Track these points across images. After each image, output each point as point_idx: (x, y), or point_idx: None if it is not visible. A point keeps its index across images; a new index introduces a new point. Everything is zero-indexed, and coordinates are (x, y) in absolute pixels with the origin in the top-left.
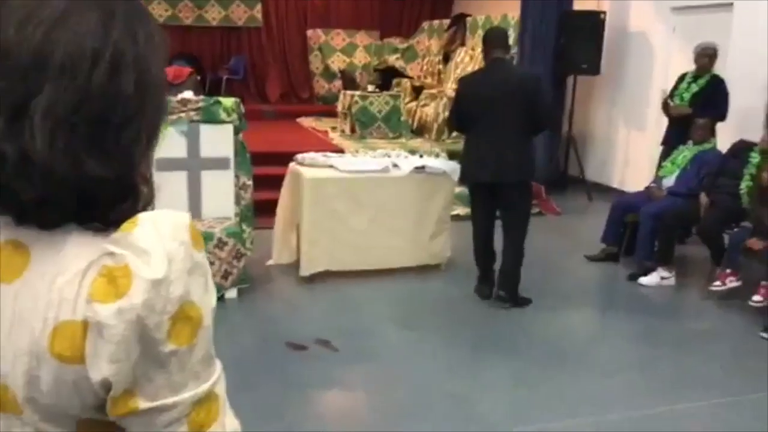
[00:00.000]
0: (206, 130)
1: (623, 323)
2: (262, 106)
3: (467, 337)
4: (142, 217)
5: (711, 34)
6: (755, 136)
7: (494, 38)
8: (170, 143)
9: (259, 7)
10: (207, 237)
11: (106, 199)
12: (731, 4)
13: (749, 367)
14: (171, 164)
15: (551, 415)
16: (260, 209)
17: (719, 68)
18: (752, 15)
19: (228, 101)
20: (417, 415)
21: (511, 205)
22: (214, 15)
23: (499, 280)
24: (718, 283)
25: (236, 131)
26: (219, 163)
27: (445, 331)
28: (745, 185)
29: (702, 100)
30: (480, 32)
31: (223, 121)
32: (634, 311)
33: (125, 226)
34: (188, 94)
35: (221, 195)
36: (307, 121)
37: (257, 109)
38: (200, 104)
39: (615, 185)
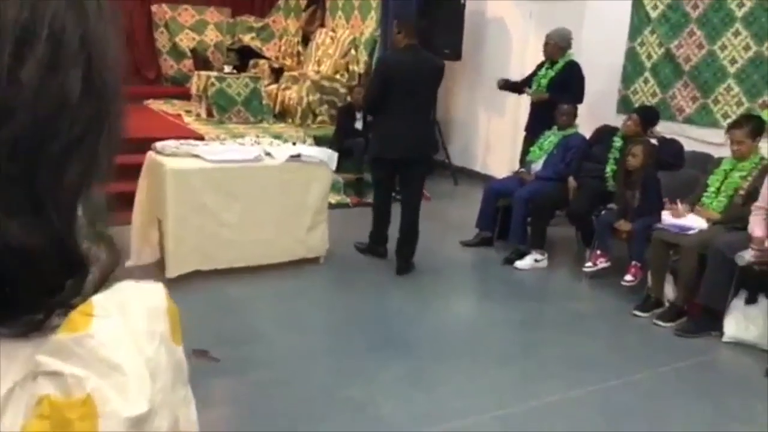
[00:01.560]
0: None
1: (506, 309)
2: None
3: (356, 336)
4: (98, 302)
5: (565, 21)
6: (610, 120)
7: (410, 25)
8: None
9: None
10: None
11: (37, 282)
12: None
13: (631, 346)
14: None
15: (455, 413)
16: (119, 202)
17: (575, 53)
18: (604, 3)
19: None
20: (315, 425)
21: (413, 180)
22: None
23: (401, 251)
24: (589, 264)
25: None
26: None
27: (333, 331)
28: (609, 168)
29: (558, 85)
30: (340, 13)
31: None
32: (514, 296)
33: (72, 320)
34: None
35: None
36: (156, 104)
37: None
38: None
39: (478, 169)
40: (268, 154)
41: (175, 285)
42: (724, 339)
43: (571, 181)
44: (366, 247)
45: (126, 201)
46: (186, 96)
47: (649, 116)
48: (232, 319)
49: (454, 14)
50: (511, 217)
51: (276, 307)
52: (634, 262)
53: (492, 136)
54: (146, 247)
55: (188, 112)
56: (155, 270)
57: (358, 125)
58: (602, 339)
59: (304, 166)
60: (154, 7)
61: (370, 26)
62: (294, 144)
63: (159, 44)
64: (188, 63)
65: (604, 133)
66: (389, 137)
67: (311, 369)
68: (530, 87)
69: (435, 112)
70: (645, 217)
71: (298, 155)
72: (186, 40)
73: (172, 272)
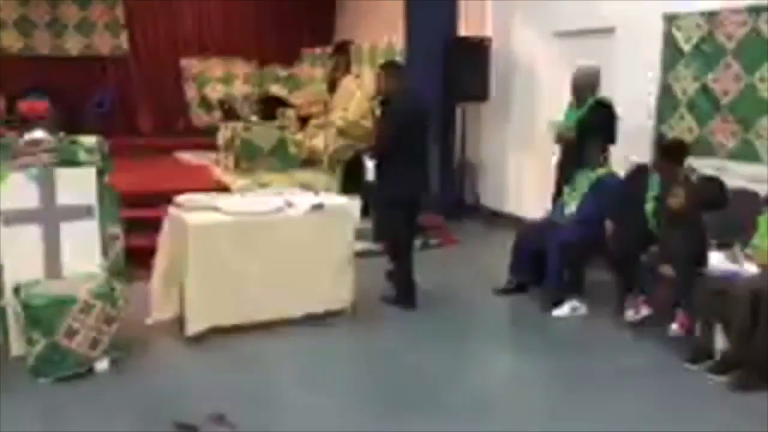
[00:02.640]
0: (63, 175)
1: (545, 363)
2: (134, 140)
3: (381, 395)
4: None
5: (595, 57)
6: (645, 158)
7: (402, 69)
8: (19, 192)
9: (124, 35)
10: (69, 301)
11: None
12: (613, 29)
13: (683, 405)
14: (21, 216)
15: None
16: (136, 259)
17: (607, 90)
18: (633, 40)
19: (88, 140)
20: None
21: (413, 220)
22: (73, 45)
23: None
24: (632, 312)
25: (100, 174)
26: (80, 212)
27: (357, 390)
28: (650, 208)
29: (588, 124)
30: (367, 59)
31: (83, 163)
32: (553, 348)
33: None
34: (39, 134)
35: (85, 249)
36: (185, 156)
37: (128, 144)
38: (55, 144)
39: (510, 211)
40: (289, 204)
41: (193, 343)
42: None
43: (608, 224)
44: (395, 297)
45: (148, 256)
46: (214, 147)
47: (673, 152)
48: (251, 379)
49: (479, 55)
50: (546, 263)
51: (297, 366)
52: (680, 311)
53: (523, 178)
54: (167, 303)
55: (216, 162)
56: (175, 327)
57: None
58: (651, 396)
59: (328, 215)
60: (183, 61)
61: None
62: (317, 193)
63: (188, 96)
64: (217, 115)
65: (641, 171)
66: (409, 180)
67: None
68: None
69: (454, 156)
70: (690, 261)
71: (321, 205)
72: (214, 92)
73: (191, 329)
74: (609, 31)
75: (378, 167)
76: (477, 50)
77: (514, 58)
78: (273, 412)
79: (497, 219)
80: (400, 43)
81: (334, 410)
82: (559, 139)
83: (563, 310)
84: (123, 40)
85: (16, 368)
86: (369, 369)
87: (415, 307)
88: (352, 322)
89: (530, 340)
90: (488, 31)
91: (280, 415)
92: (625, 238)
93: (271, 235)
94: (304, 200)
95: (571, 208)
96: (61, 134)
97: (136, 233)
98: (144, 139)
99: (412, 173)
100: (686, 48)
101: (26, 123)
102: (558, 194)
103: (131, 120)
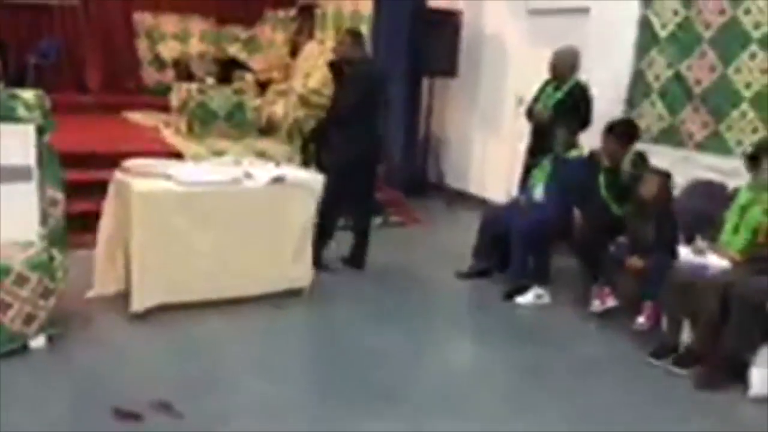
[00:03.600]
0: (0, 132)
1: (508, 353)
2: (80, 97)
3: (339, 384)
4: None
5: (567, 38)
6: None
7: (363, 38)
8: None
9: None
10: (1, 272)
11: None
12: (587, 9)
13: (646, 400)
14: None
15: None
16: (78, 225)
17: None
18: (607, 22)
19: (28, 94)
20: None
21: (370, 182)
22: None
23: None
24: (597, 302)
25: (40, 132)
26: (17, 174)
27: (313, 378)
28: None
29: (565, 107)
30: (330, 25)
31: (21, 120)
32: (516, 337)
33: None
34: None
35: (22, 214)
36: (134, 116)
37: (75, 101)
38: None
39: (473, 191)
40: (248, 176)
41: (139, 320)
42: (751, 394)
43: (576, 212)
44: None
45: (93, 222)
46: (166, 108)
47: (620, 132)
48: (201, 363)
49: (449, 28)
50: (510, 249)
51: (251, 350)
52: (647, 303)
53: (488, 157)
54: (111, 276)
55: (167, 124)
56: (119, 301)
57: None
58: (614, 390)
59: (289, 189)
60: (135, 15)
61: None
62: (278, 164)
63: (140, 53)
64: (170, 74)
65: (594, 156)
66: (356, 142)
67: (288, 425)
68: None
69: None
70: (659, 253)
71: (282, 178)
72: (168, 50)
73: (137, 305)
74: (584, 11)
75: (329, 134)
76: (447, 23)
77: (484, 34)
78: (223, 400)
79: (460, 199)
80: (368, 10)
81: (290, 399)
82: (534, 119)
83: (527, 298)
84: None
85: None
86: (326, 355)
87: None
88: (310, 303)
89: (492, 328)
90: (460, 5)
91: (231, 404)
92: (591, 226)
93: (227, 207)
94: (263, 172)
95: (538, 191)
96: (0, 85)
97: (80, 197)
98: (91, 96)
99: (364, 137)
100: (662, 33)
101: None
102: (526, 177)
103: (78, 75)
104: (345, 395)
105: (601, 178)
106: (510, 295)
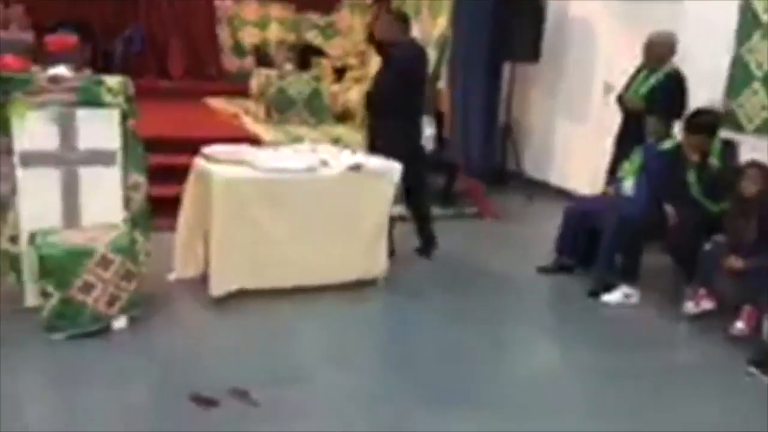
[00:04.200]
0: (85, 116)
1: (593, 355)
2: (163, 83)
3: (414, 380)
4: None
5: (661, 23)
6: None
7: (408, 20)
8: (38, 132)
9: None
10: (87, 253)
11: None
12: None
13: (749, 413)
14: (39, 159)
15: None
16: (161, 208)
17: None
18: (705, 6)
19: (112, 80)
20: None
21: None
22: None
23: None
24: (691, 304)
25: (124, 117)
26: (102, 158)
27: (391, 371)
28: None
29: (659, 95)
30: (411, 9)
31: (106, 105)
32: (602, 339)
33: None
34: (62, 70)
35: (106, 197)
36: (215, 102)
37: (157, 87)
38: (77, 83)
39: (554, 182)
40: (324, 163)
41: (217, 305)
42: None
43: (669, 207)
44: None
45: (175, 206)
46: (246, 94)
47: (704, 122)
48: (277, 350)
49: (533, 12)
50: (598, 243)
51: (326, 339)
52: (747, 307)
53: (572, 146)
54: (191, 260)
55: (247, 111)
56: (199, 285)
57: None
58: (708, 401)
59: (365, 178)
60: (217, 2)
61: (440, 25)
62: (354, 152)
63: (221, 40)
64: (250, 61)
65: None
66: (404, 133)
67: (364, 419)
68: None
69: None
70: (763, 253)
71: (358, 166)
72: (249, 37)
73: (216, 290)
74: None
75: (376, 119)
76: (531, 6)
77: (571, 17)
78: (297, 389)
79: (541, 190)
80: None
81: (367, 394)
82: (624, 108)
83: (614, 297)
84: None
85: (30, 320)
86: (402, 349)
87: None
88: (385, 294)
89: (574, 328)
90: None
91: (305, 393)
92: (685, 222)
93: (303, 195)
94: (340, 159)
95: (628, 184)
96: (87, 71)
97: (162, 181)
98: (173, 82)
99: (412, 126)
100: (765, 17)
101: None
102: (614, 168)
103: (161, 62)
104: (422, 393)
105: (691, 175)
106: (595, 294)
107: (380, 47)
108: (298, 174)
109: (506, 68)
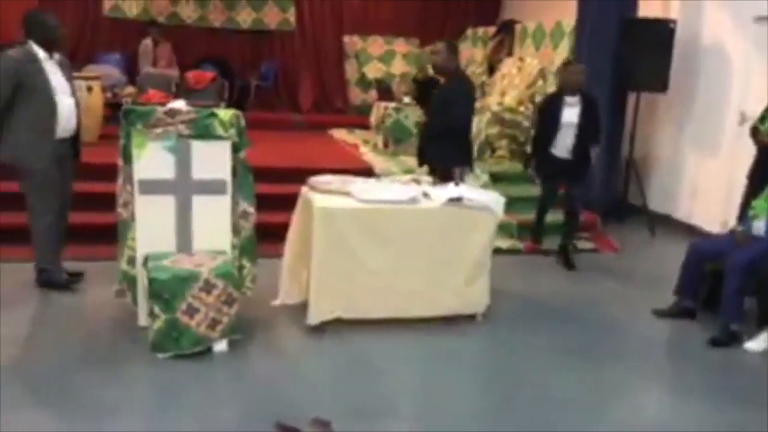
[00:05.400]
0: (199, 147)
1: (710, 407)
2: (292, 116)
3: (514, 427)
4: None
5: None
6: None
7: (457, 49)
8: (156, 162)
9: (292, 10)
10: (191, 278)
11: None
12: None
13: None
14: (156, 187)
15: None
16: (274, 233)
17: None
18: None
19: (225, 113)
20: None
21: None
22: (245, 17)
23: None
24: None
25: (235, 149)
26: (213, 187)
27: (484, 416)
28: None
29: None
30: (530, 41)
31: (219, 137)
32: (722, 393)
33: None
34: (179, 104)
35: (216, 224)
36: (339, 133)
37: (287, 119)
38: (192, 116)
39: (681, 217)
40: (426, 194)
41: (315, 333)
42: None
43: None
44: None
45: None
46: (368, 126)
47: None
48: (368, 383)
49: (661, 39)
50: (722, 287)
51: (420, 374)
52: None
53: (700, 180)
54: (295, 286)
55: (366, 142)
56: (301, 312)
57: None
58: None
59: (466, 211)
60: (345, 38)
61: (561, 54)
62: (457, 185)
63: (348, 74)
64: (373, 93)
65: None
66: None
67: None
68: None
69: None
70: None
71: (459, 198)
72: (374, 71)
73: (312, 318)
74: None
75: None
76: (658, 34)
77: (702, 45)
78: (381, 424)
79: (664, 224)
80: (571, 23)
81: None
82: (759, 141)
83: (759, 344)
84: (291, 14)
85: (140, 339)
86: (499, 390)
87: None
88: (485, 330)
89: (693, 379)
90: (673, 13)
91: (387, 428)
92: None
93: (403, 226)
94: (441, 192)
95: (759, 224)
96: (222, 104)
97: (280, 208)
98: (302, 115)
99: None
100: None
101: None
102: (746, 206)
103: (293, 95)
104: None
105: None
106: (718, 342)
107: (422, 83)
108: (399, 205)
109: (630, 98)
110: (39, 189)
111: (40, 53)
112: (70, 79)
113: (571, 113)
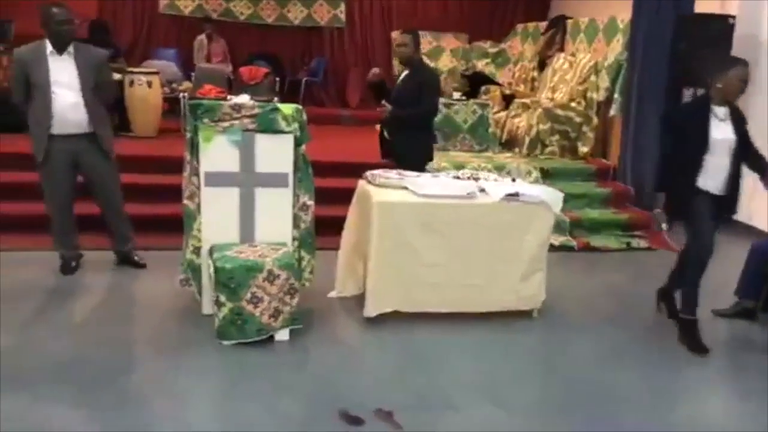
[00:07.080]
0: (263, 141)
1: None
2: (341, 111)
3: (573, 422)
4: None
5: None
6: None
7: (419, 38)
8: (221, 155)
9: (342, 7)
10: (256, 268)
11: None
12: None
13: None
14: (222, 179)
15: None
16: (329, 226)
17: None
18: None
19: (288, 108)
20: None
21: None
22: (296, 14)
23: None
24: None
25: (297, 143)
26: (276, 180)
27: (539, 412)
28: None
29: None
30: (582, 36)
31: (282, 131)
32: None
33: None
34: (243, 99)
35: (277, 216)
36: None
37: (336, 114)
38: (256, 111)
39: (741, 218)
40: (482, 190)
41: (372, 325)
42: None
43: None
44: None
45: (341, 225)
46: None
47: None
48: (426, 375)
49: (718, 35)
50: None
51: (476, 368)
52: None
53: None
54: (351, 279)
55: None
56: (357, 304)
57: None
58: None
59: (523, 207)
60: (393, 34)
61: (615, 49)
62: (514, 180)
63: (395, 70)
64: None
65: None
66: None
67: None
68: None
69: None
70: None
71: (516, 194)
72: None
73: (370, 311)
74: None
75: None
76: (716, 30)
77: (762, 41)
78: (442, 416)
79: (724, 226)
80: (626, 19)
81: (511, 428)
82: None
83: None
84: (341, 11)
85: (205, 326)
86: (556, 385)
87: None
88: (540, 327)
89: (754, 382)
90: (732, 9)
91: (448, 421)
92: None
93: (460, 221)
94: (498, 187)
95: None
96: (275, 99)
97: (332, 202)
98: (350, 110)
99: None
100: None
101: (244, 86)
102: None
103: (341, 91)
104: None
105: None
106: None
107: (378, 86)
108: (456, 200)
109: (685, 95)
110: (42, 179)
111: (48, 47)
112: (90, 73)
113: (725, 130)
